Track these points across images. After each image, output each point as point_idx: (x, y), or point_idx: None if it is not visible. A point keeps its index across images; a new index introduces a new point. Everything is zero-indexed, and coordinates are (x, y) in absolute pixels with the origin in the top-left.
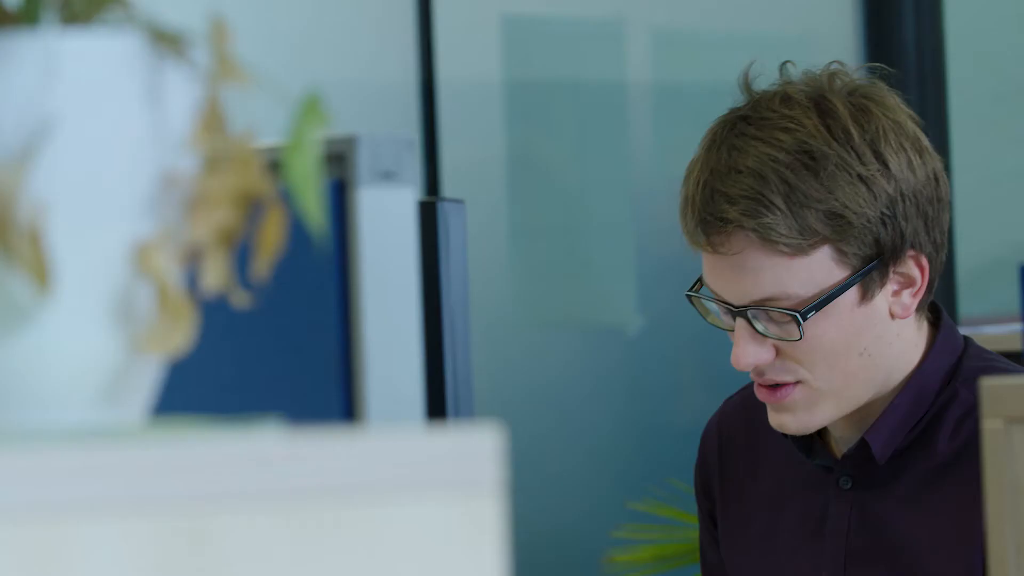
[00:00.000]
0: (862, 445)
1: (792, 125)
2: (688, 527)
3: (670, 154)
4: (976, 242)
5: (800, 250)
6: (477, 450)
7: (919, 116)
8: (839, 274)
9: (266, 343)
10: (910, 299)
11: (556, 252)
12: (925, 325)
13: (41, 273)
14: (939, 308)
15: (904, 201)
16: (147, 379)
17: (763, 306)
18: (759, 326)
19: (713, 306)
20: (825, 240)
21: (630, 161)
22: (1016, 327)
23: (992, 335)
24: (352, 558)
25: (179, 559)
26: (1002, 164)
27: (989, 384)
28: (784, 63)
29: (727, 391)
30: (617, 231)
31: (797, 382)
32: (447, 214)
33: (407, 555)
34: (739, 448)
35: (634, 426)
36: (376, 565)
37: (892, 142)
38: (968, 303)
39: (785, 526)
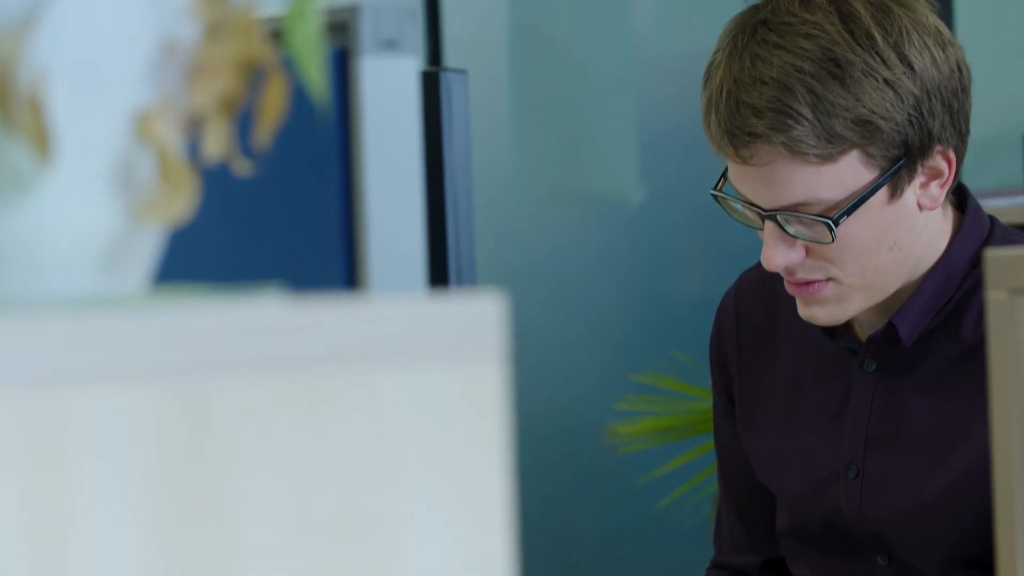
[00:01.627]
0: (889, 328)
1: (815, 31)
2: (690, 399)
3: (673, 25)
4: (980, 116)
5: (829, 158)
6: (479, 318)
7: None
8: (868, 176)
9: (267, 211)
10: (938, 190)
11: (558, 123)
12: (950, 209)
13: (41, 141)
14: (965, 191)
15: (930, 99)
16: (147, 247)
17: (794, 211)
18: (790, 229)
19: (739, 205)
20: (854, 145)
21: (633, 32)
22: (1020, 200)
23: (996, 207)
24: (352, 426)
25: (179, 427)
26: (1007, 38)
27: (993, 255)
28: None
29: (729, 262)
30: (619, 102)
31: (828, 279)
32: (449, 84)
33: (408, 423)
34: (757, 326)
35: (636, 298)
36: (376, 433)
37: (915, 41)
38: (972, 176)
39: (805, 407)
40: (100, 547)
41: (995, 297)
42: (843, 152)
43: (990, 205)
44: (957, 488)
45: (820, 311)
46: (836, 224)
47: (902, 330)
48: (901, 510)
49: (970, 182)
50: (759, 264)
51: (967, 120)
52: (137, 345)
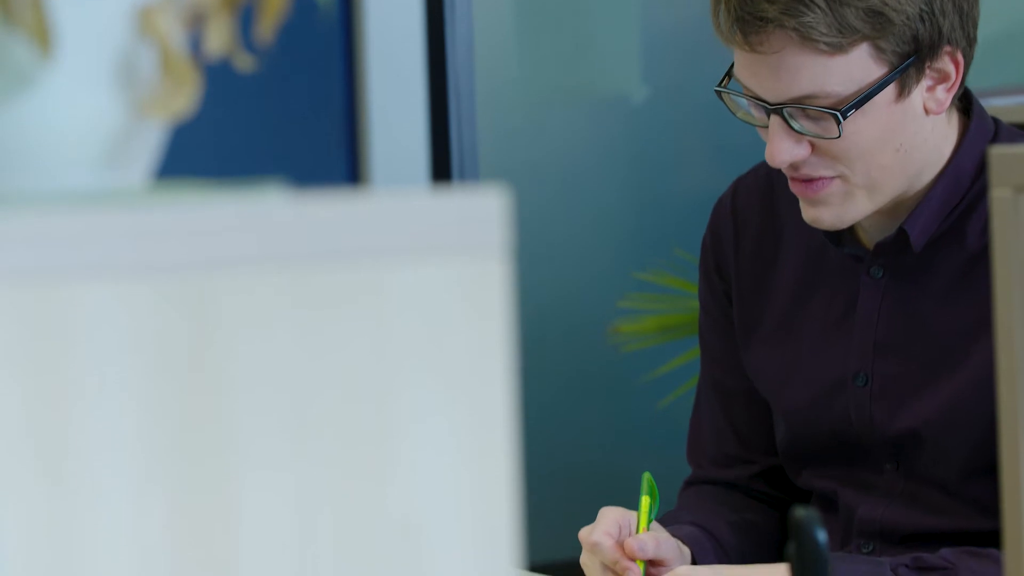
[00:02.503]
0: (899, 234)
1: None
2: (692, 297)
3: None
4: (986, 15)
5: (839, 48)
6: (482, 213)
7: None
8: (877, 72)
9: (270, 108)
10: (944, 95)
11: (562, 20)
12: (955, 114)
13: (43, 37)
14: (970, 95)
15: None
16: (150, 143)
17: (801, 104)
18: (795, 124)
19: (743, 101)
20: (864, 38)
21: None
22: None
23: (1001, 107)
24: (354, 322)
25: (179, 323)
26: None
27: (998, 152)
28: None
29: (732, 160)
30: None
31: (833, 177)
32: None
33: (410, 319)
34: (756, 232)
35: (639, 196)
36: (379, 328)
37: None
38: (977, 75)
39: (809, 315)
40: (100, 444)
41: (999, 195)
42: (854, 44)
43: (995, 104)
44: (969, 394)
45: (824, 212)
46: (844, 117)
47: (913, 235)
48: (912, 417)
49: (976, 81)
50: (755, 171)
51: (975, 27)
52: (137, 241)
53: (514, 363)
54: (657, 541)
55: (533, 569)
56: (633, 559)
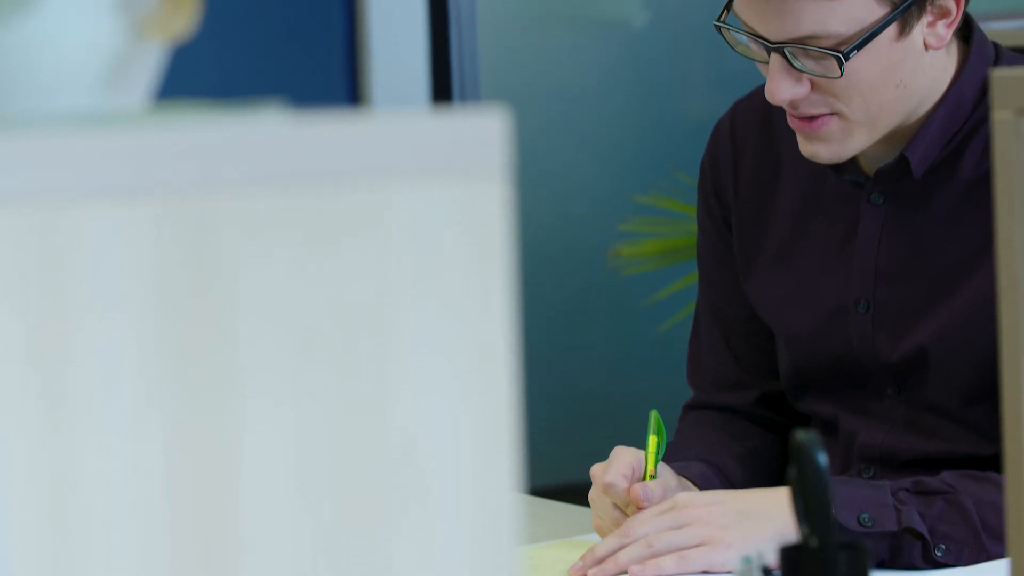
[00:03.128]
0: (899, 161)
1: None
2: (692, 220)
3: None
4: None
5: None
6: (483, 135)
7: None
8: (879, 11)
9: (270, 28)
10: (944, 30)
11: None
12: (955, 43)
13: None
14: (971, 20)
15: None
16: (149, 65)
17: (803, 44)
18: (796, 63)
19: (742, 37)
20: None
21: None
22: (1023, 23)
23: (999, 30)
24: (354, 243)
25: (178, 245)
26: None
27: (999, 75)
28: None
29: (732, 84)
30: None
31: (831, 113)
32: None
33: (410, 239)
34: (754, 157)
35: (640, 120)
36: (378, 250)
37: None
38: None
39: (809, 242)
40: (100, 369)
41: (1000, 117)
42: None
43: (994, 28)
44: (970, 318)
45: (822, 148)
46: (846, 59)
47: (914, 162)
48: (914, 343)
49: (974, 5)
50: (752, 95)
51: None
52: (136, 162)
53: (514, 286)
54: (664, 489)
55: (534, 494)
56: (639, 507)
